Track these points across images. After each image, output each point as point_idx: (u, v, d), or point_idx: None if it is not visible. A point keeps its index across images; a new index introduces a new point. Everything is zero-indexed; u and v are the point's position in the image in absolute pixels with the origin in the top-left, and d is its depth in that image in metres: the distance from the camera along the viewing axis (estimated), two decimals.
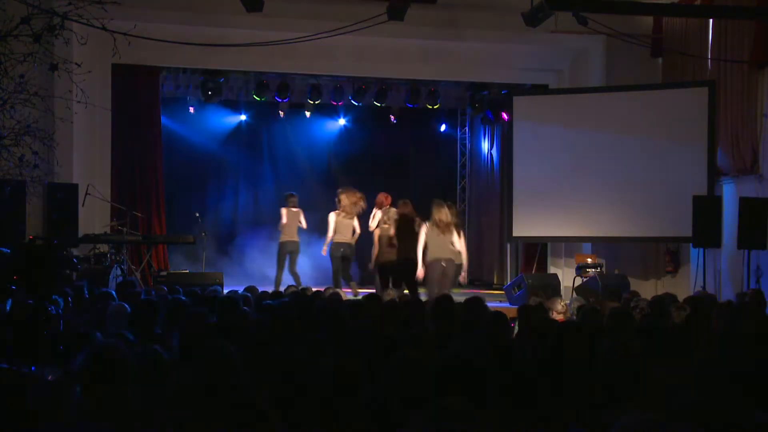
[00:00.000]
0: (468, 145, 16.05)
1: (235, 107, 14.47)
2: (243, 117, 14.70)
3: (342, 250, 10.65)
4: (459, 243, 9.65)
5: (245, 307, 5.91)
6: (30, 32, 6.33)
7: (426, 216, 9.73)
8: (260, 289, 7.92)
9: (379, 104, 13.69)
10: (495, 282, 14.74)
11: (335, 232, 10.64)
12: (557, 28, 10.92)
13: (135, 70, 12.02)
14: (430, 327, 5.36)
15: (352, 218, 10.66)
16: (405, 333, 4.44)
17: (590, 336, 4.16)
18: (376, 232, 10.60)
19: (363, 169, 14.93)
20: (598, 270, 10.90)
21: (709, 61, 10.88)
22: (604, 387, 3.29)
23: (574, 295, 10.02)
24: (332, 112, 14.89)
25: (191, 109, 13.84)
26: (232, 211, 14.78)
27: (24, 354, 4.13)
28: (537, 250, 12.91)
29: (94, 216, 11.33)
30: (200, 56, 11.46)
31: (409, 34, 11.12)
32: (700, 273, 10.19)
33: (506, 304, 10.45)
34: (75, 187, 10.70)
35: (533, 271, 12.54)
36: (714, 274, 10.63)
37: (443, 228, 9.49)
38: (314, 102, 13.62)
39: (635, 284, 10.63)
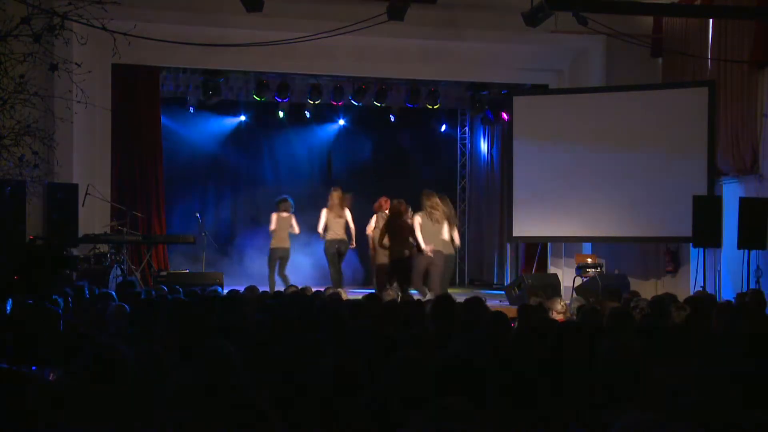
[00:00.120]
0: (468, 145, 16.05)
1: (235, 107, 14.45)
2: (243, 117, 14.69)
3: (336, 246, 10.81)
4: (447, 233, 9.78)
5: (245, 307, 5.91)
6: (30, 32, 6.34)
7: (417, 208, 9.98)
8: (260, 289, 7.92)
9: (379, 104, 13.69)
10: (495, 282, 14.74)
11: (329, 229, 10.78)
12: (557, 28, 10.92)
13: (135, 70, 12.02)
14: (430, 327, 5.36)
15: (341, 216, 10.80)
16: (405, 333, 4.44)
17: (590, 336, 4.16)
18: (372, 236, 10.75)
19: (363, 169, 14.94)
20: (598, 270, 10.89)
21: (709, 61, 10.87)
22: (604, 387, 3.29)
23: (574, 295, 10.03)
24: (332, 112, 14.88)
25: (191, 109, 13.84)
26: (232, 210, 14.77)
27: (24, 354, 4.13)
28: (537, 250, 12.91)
29: (94, 216, 11.33)
30: (200, 56, 11.46)
31: (409, 34, 11.11)
32: (700, 273, 10.19)
33: (506, 304, 10.46)
34: (75, 187, 10.70)
35: (533, 271, 12.54)
36: (714, 274, 10.63)
37: (434, 218, 9.71)
38: (314, 102, 13.62)
39: (635, 284, 10.63)
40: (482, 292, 11.59)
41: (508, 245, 13.97)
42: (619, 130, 11.41)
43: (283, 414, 2.81)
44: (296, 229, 11.11)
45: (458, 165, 16.07)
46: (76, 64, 7.40)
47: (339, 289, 8.15)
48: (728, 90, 10.45)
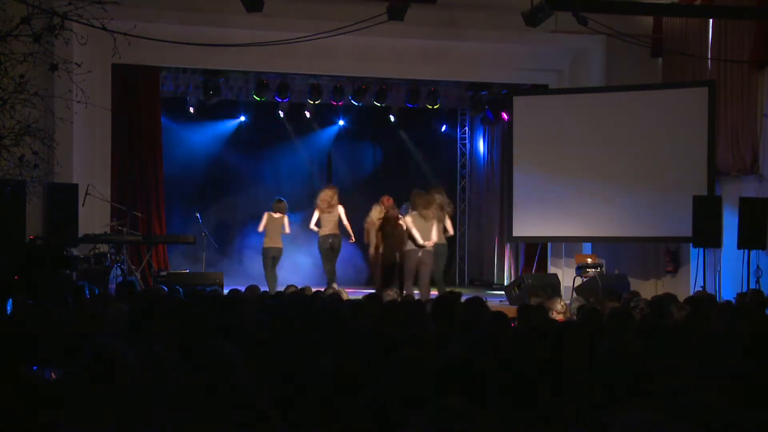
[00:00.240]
0: (468, 145, 16.05)
1: (235, 107, 14.45)
2: (243, 117, 14.69)
3: (330, 241, 11.02)
4: (437, 234, 9.94)
5: (245, 307, 5.90)
6: (30, 32, 6.34)
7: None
8: (261, 289, 7.93)
9: (379, 104, 13.69)
10: (495, 282, 14.74)
11: (321, 225, 11.01)
12: (557, 28, 10.92)
13: (135, 70, 12.03)
14: (430, 327, 5.36)
15: (332, 212, 10.98)
16: (405, 333, 4.44)
17: (590, 336, 4.15)
18: (367, 227, 10.90)
19: (363, 169, 14.94)
20: (598, 270, 10.89)
21: (709, 61, 10.88)
22: (604, 387, 3.29)
23: (574, 295, 10.04)
24: (332, 112, 14.88)
25: (191, 109, 13.84)
26: (232, 210, 14.77)
27: (24, 354, 4.13)
28: (537, 250, 12.92)
29: (94, 216, 11.33)
30: (200, 56, 11.47)
31: (409, 34, 11.12)
32: (700, 273, 10.19)
33: (506, 304, 10.46)
34: (75, 187, 10.70)
35: (533, 271, 12.55)
36: (714, 274, 10.64)
37: (425, 216, 9.93)
38: (314, 102, 13.63)
39: (635, 284, 10.64)
40: (482, 293, 11.59)
41: (508, 245, 13.96)
42: (619, 130, 11.42)
43: (283, 414, 2.81)
44: (287, 230, 11.25)
45: (458, 165, 16.07)
46: (76, 64, 7.40)
47: (339, 289, 8.16)
48: (728, 90, 10.46)
